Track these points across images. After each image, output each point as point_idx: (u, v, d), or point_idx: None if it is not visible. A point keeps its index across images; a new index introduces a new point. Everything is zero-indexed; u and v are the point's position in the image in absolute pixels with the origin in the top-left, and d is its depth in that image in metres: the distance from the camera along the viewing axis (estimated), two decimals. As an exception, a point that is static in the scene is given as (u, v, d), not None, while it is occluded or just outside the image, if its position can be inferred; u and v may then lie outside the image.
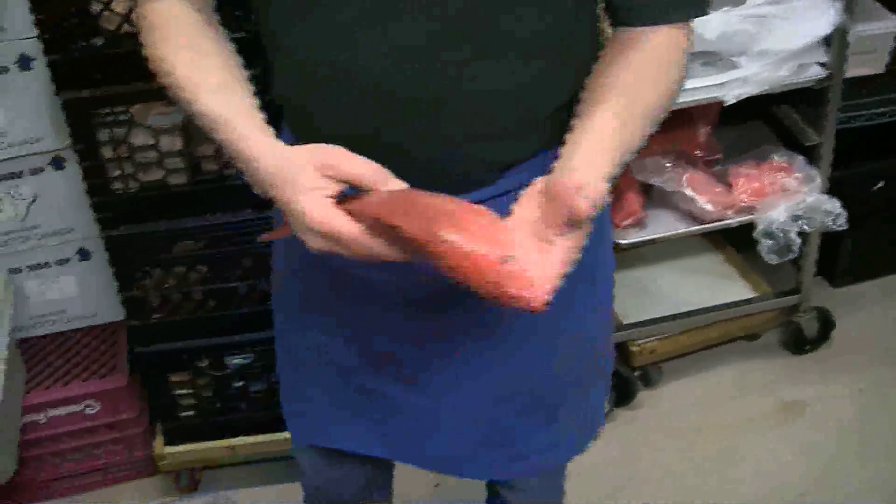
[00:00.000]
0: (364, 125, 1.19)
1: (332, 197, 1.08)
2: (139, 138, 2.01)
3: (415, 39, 1.13)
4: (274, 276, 1.56)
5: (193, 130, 2.02)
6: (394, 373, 1.44)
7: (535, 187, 1.06)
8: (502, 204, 1.25)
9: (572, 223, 1.02)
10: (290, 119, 1.32)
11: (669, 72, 1.20)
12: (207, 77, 1.18)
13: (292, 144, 1.17)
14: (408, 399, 1.46)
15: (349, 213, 1.08)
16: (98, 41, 1.92)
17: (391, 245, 1.08)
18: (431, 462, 1.54)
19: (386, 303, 1.37)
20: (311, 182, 1.08)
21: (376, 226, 1.07)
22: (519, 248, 1.01)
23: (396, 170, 1.11)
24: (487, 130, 1.21)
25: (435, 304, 1.35)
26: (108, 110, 1.98)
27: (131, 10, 1.88)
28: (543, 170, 1.15)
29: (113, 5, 1.88)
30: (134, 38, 1.87)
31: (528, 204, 1.05)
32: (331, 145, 1.10)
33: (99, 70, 1.93)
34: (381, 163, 1.11)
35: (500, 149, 1.24)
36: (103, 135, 2.00)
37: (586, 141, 1.13)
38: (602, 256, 1.46)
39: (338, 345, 1.46)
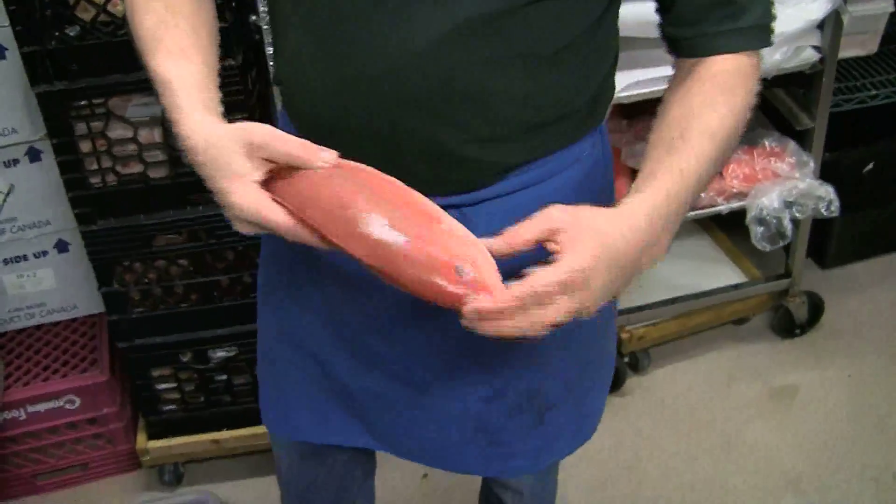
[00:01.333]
0: (365, 117, 1.15)
1: (261, 179, 1.06)
2: (117, 131, 1.96)
3: (425, 38, 1.09)
4: (260, 264, 1.52)
5: (173, 122, 1.97)
6: (379, 365, 1.39)
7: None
8: (504, 205, 1.22)
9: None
10: (289, 105, 1.29)
11: (734, 101, 1.15)
12: (170, 36, 1.15)
13: (289, 130, 1.15)
14: (393, 389, 1.42)
15: (280, 194, 1.06)
16: (73, 31, 1.85)
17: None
18: (417, 454, 1.50)
19: (370, 294, 1.32)
20: (239, 167, 1.05)
21: (307, 225, 1.06)
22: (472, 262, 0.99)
23: (393, 164, 1.10)
24: (491, 133, 1.17)
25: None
26: (84, 103, 1.92)
27: (108, 0, 1.82)
28: (548, 173, 1.14)
29: (88, -6, 1.82)
30: (111, 28, 1.83)
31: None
32: (257, 123, 1.06)
33: (74, 61, 1.87)
34: (382, 156, 1.10)
35: (503, 151, 1.20)
36: (80, 128, 1.94)
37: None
38: None
39: (317, 337, 1.42)
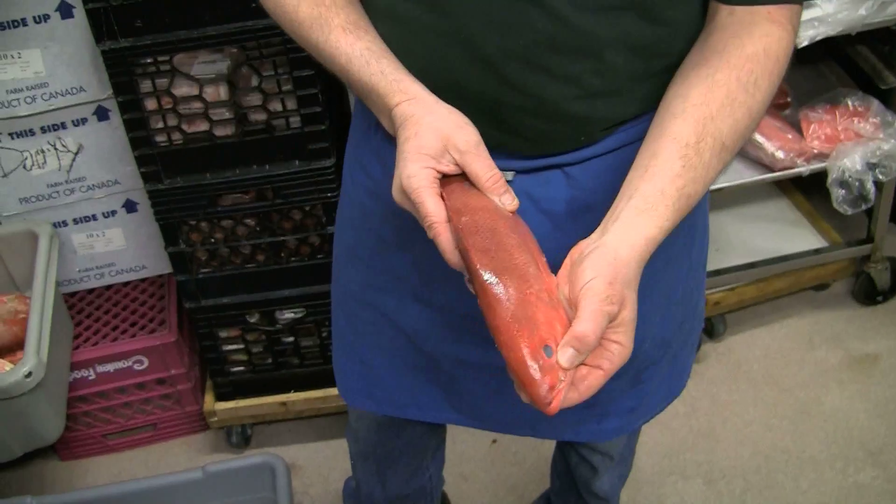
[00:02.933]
0: (469, 73, 1.13)
1: (441, 172, 1.07)
2: (183, 89, 1.94)
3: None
4: (338, 228, 1.50)
5: (239, 80, 1.94)
6: (471, 330, 1.36)
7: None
8: (610, 162, 1.20)
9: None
10: None
11: (754, 100, 1.09)
12: (336, 16, 1.15)
13: None
14: (486, 356, 1.39)
15: (446, 195, 1.07)
16: (137, -13, 1.84)
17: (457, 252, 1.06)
18: (505, 424, 1.49)
19: None
20: (431, 147, 1.06)
21: (456, 227, 1.05)
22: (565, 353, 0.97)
23: (498, 121, 1.13)
24: (601, 85, 1.14)
25: None
26: (149, 60, 1.90)
27: (172, -45, 1.80)
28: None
29: (153, -51, 1.80)
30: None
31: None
32: (470, 125, 1.08)
33: (139, 18, 1.84)
34: (487, 113, 1.12)
35: (611, 105, 1.17)
36: (146, 86, 1.93)
37: (637, 196, 1.04)
38: (699, 216, 1.40)
39: (405, 305, 1.40)
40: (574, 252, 1.02)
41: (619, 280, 0.97)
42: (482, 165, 1.07)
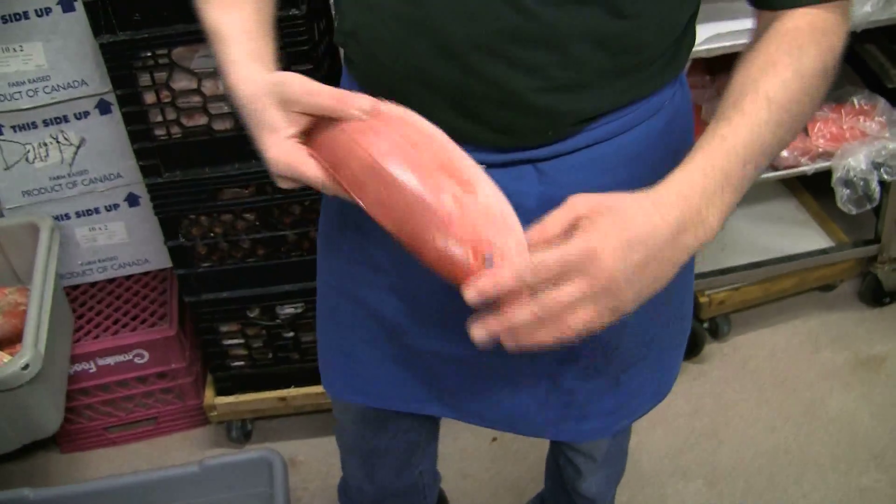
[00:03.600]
0: (435, 63, 1.11)
1: (298, 133, 1.05)
2: (182, 82, 1.94)
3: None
4: (321, 220, 1.49)
5: (238, 74, 1.94)
6: (452, 325, 1.35)
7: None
8: (584, 158, 1.18)
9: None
10: (355, 56, 1.25)
11: (801, 62, 1.05)
12: None
13: (351, 87, 1.14)
14: (466, 351, 1.37)
15: (317, 148, 1.04)
16: (136, -20, 1.84)
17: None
18: (487, 419, 1.47)
19: None
20: (274, 120, 1.03)
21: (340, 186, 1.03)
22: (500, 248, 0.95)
23: (465, 112, 1.11)
24: (567, 79, 1.11)
25: None
26: (148, 53, 1.90)
27: (169, -52, 1.79)
28: (629, 123, 1.13)
29: (150, -58, 1.80)
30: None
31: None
32: (291, 74, 1.04)
33: (138, 11, 1.84)
34: (453, 104, 1.10)
35: (578, 99, 1.14)
36: (144, 79, 1.93)
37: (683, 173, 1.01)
38: None
39: (385, 299, 1.39)
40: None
41: (617, 241, 0.93)
42: (318, 97, 1.02)
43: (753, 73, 1.04)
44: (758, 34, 1.11)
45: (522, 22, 1.06)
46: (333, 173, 1.02)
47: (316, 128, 1.05)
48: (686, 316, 1.49)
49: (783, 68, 1.04)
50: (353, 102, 1.02)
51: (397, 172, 0.99)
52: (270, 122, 1.04)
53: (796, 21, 1.07)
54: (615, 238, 0.93)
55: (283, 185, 1.07)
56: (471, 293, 0.94)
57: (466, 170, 1.00)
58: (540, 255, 0.93)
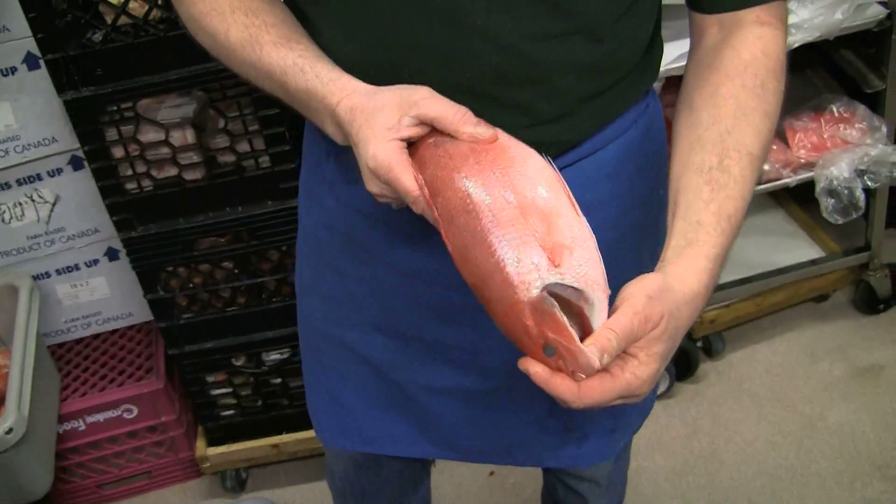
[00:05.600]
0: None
1: (405, 139, 1.01)
2: (149, 135, 1.92)
3: (482, 16, 1.04)
4: (298, 264, 1.47)
5: (205, 123, 1.92)
6: (443, 354, 1.34)
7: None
8: (566, 175, 1.16)
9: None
10: None
11: (767, 104, 1.07)
12: (267, 34, 1.11)
13: (314, 139, 1.17)
14: (458, 381, 1.36)
15: (419, 164, 1.01)
16: (97, 36, 1.82)
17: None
18: (481, 453, 1.46)
19: (431, 282, 1.28)
20: (386, 121, 1.00)
21: (433, 217, 1.00)
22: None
23: None
24: (552, 111, 1.12)
25: None
26: (114, 108, 1.88)
27: (128, 1, 1.78)
28: (608, 138, 1.16)
29: (108, -4, 1.78)
30: (134, 30, 1.80)
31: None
32: (422, 87, 1.02)
33: (100, 66, 1.83)
34: None
35: (565, 129, 1.15)
36: (111, 133, 1.91)
37: (676, 236, 1.03)
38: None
39: (368, 337, 1.37)
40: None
41: (667, 310, 0.95)
42: (442, 106, 1.01)
43: (727, 123, 1.05)
44: (705, 62, 1.10)
45: (505, 60, 1.05)
46: (428, 196, 0.99)
47: (423, 144, 1.03)
48: None
49: (753, 114, 1.06)
50: (472, 120, 1.01)
51: (488, 226, 0.96)
52: (381, 121, 1.01)
53: (752, 50, 1.07)
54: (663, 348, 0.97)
55: (372, 188, 1.04)
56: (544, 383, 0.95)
57: (567, 229, 0.96)
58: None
